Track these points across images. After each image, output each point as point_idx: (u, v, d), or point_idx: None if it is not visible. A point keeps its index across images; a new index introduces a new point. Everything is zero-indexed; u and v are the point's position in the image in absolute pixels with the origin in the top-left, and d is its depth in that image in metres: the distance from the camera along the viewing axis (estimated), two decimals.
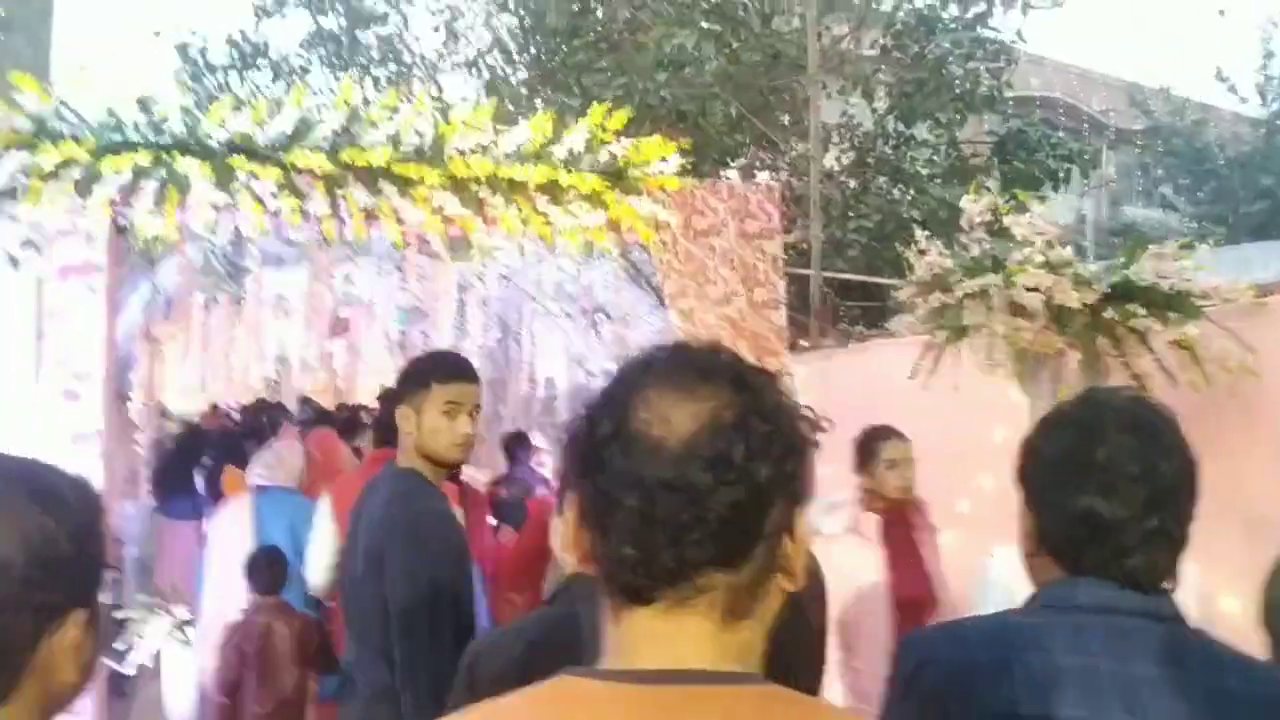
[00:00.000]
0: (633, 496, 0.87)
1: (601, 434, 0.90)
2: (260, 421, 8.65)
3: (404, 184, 4.26)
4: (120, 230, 4.09)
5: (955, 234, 3.76)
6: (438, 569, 2.29)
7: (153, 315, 5.10)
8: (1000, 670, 1.30)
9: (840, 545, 3.28)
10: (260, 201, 4.09)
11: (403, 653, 2.20)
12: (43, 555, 1.01)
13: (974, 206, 3.70)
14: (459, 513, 4.69)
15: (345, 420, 7.08)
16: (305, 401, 9.72)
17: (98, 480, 4.01)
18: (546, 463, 6.69)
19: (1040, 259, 3.30)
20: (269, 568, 3.83)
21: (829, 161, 8.94)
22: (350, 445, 5.94)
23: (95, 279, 3.97)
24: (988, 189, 3.94)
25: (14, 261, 3.84)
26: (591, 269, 5.80)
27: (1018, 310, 3.28)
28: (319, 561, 3.54)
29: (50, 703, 1.05)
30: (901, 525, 3.48)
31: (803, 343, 6.38)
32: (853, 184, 9.20)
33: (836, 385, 5.36)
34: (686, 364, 0.93)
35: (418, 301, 6.18)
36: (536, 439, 9.15)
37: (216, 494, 5.81)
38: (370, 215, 4.26)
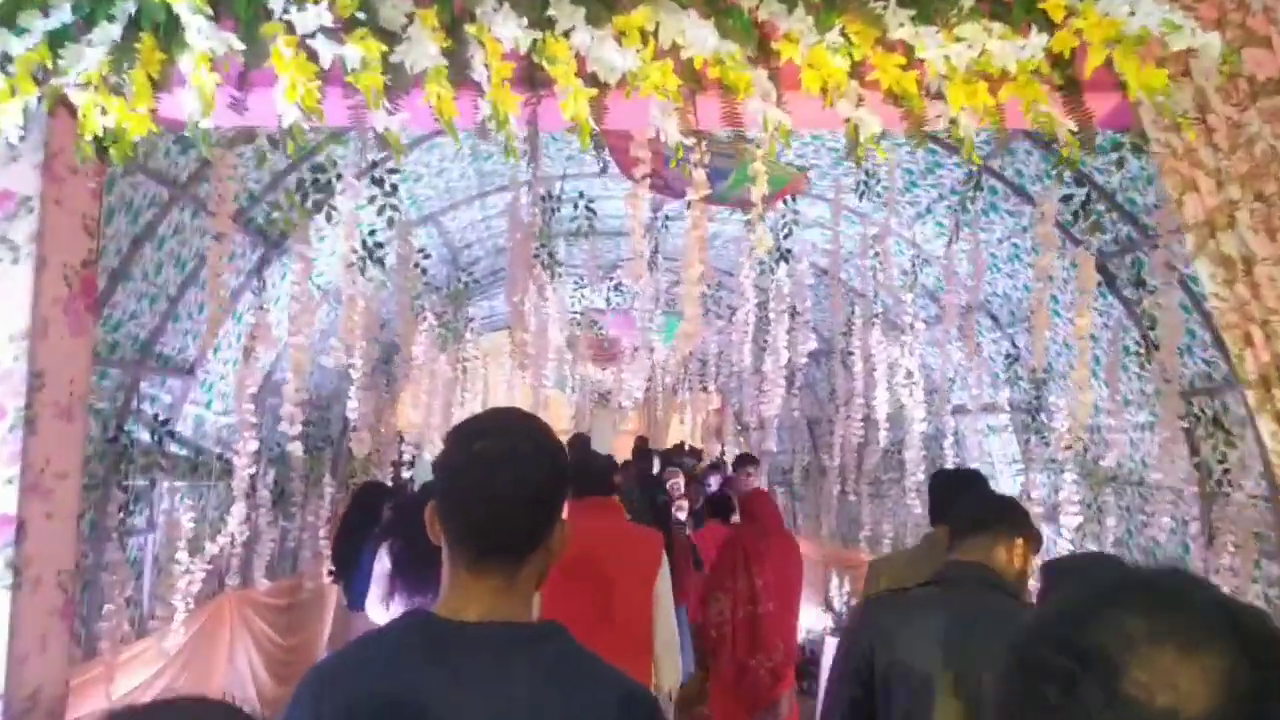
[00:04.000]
0: None
1: (1090, 703, 0.69)
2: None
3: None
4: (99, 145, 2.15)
5: None
6: None
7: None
8: None
9: None
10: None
11: None
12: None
13: None
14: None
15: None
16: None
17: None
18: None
19: None
20: None
21: None
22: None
23: (16, 226, 2.04)
24: None
25: None
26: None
27: None
28: None
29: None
30: None
31: None
32: None
33: None
34: (1173, 602, 0.72)
35: (666, 305, 3.89)
36: (876, 509, 6.63)
37: None
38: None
